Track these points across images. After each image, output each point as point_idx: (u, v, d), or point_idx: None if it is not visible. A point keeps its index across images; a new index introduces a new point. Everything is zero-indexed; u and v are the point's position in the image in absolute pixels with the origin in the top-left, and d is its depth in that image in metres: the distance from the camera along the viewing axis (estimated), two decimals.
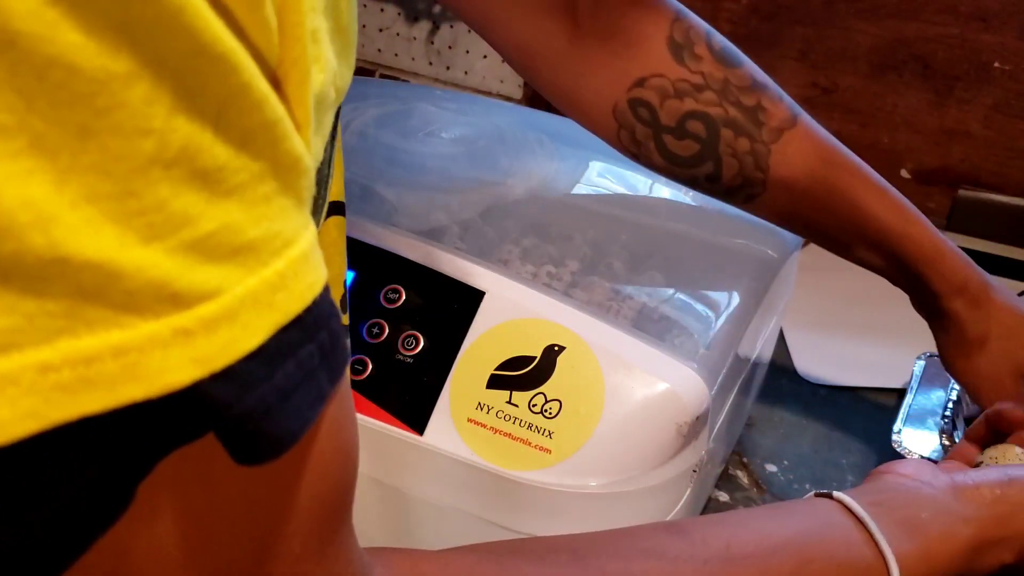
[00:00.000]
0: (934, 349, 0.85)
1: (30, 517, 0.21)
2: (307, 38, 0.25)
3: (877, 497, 0.45)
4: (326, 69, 0.26)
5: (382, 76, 1.42)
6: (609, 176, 0.78)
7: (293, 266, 0.23)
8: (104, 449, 0.22)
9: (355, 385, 0.53)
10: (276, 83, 0.24)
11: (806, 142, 0.62)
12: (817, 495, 0.46)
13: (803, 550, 0.42)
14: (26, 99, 0.19)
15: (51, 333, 0.20)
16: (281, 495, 0.27)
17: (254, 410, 0.23)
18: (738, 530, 0.42)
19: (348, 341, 0.30)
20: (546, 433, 0.50)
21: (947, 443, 0.68)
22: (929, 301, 0.66)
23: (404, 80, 1.40)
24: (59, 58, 0.19)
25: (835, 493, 0.45)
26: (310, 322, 0.24)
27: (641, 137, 0.62)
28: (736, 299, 0.68)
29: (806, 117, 0.63)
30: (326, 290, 0.25)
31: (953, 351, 0.66)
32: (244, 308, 0.22)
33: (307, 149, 0.25)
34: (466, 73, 1.38)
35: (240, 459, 0.24)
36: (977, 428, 0.58)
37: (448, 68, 1.39)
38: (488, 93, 1.36)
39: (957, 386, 0.74)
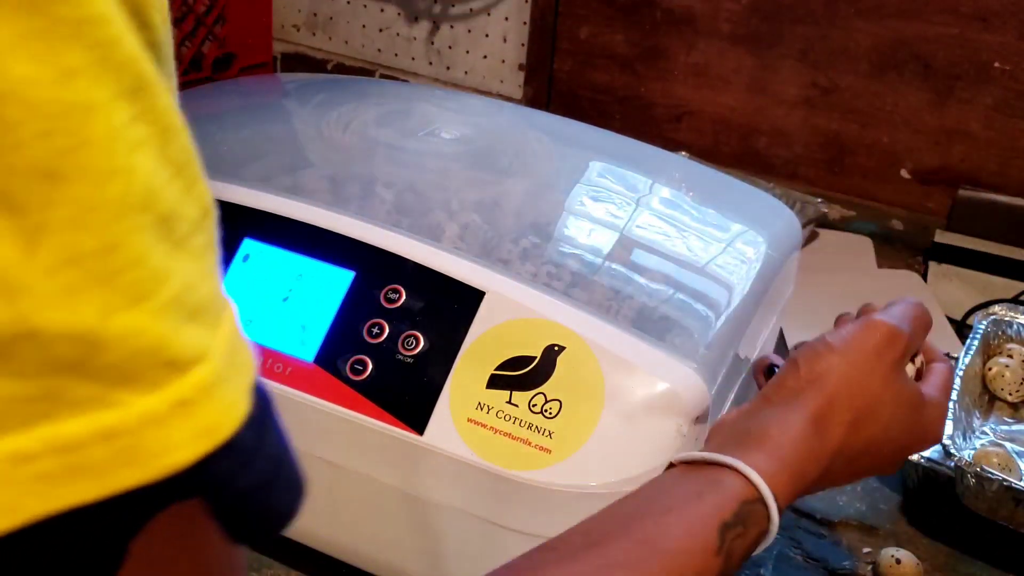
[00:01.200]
0: None
1: None
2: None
3: (713, 443, 0.46)
4: None
5: (382, 76, 1.42)
6: (609, 176, 0.78)
7: (236, 326, 0.21)
8: (96, 518, 0.19)
9: (355, 385, 0.53)
10: None
11: None
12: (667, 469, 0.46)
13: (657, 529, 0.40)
14: None
15: (28, 418, 0.17)
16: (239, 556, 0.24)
17: (256, 484, 0.21)
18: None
19: None
20: (546, 433, 0.50)
21: (947, 443, 0.68)
22: None
23: (404, 80, 1.40)
24: (9, 95, 0.17)
25: (674, 459, 0.45)
26: (261, 384, 0.22)
27: None
28: (736, 299, 0.68)
29: None
30: None
31: None
32: (231, 370, 0.20)
33: None
34: (466, 73, 1.38)
35: (239, 537, 0.22)
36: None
37: (448, 68, 1.39)
38: (488, 93, 1.36)
39: (957, 386, 0.74)
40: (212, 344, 0.20)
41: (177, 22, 1.10)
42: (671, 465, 0.45)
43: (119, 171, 0.18)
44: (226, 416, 0.20)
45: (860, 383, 0.47)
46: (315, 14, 1.46)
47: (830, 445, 0.45)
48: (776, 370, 0.54)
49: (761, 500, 0.41)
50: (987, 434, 0.77)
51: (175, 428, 0.19)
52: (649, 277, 0.73)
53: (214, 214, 0.21)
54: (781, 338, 0.92)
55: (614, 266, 0.73)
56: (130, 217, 0.18)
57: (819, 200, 1.13)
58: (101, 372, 0.18)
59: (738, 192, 0.80)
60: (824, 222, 1.16)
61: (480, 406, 0.51)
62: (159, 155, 0.19)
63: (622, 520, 0.40)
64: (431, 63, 1.40)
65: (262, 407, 0.22)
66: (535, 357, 0.52)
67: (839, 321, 0.57)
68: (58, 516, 0.18)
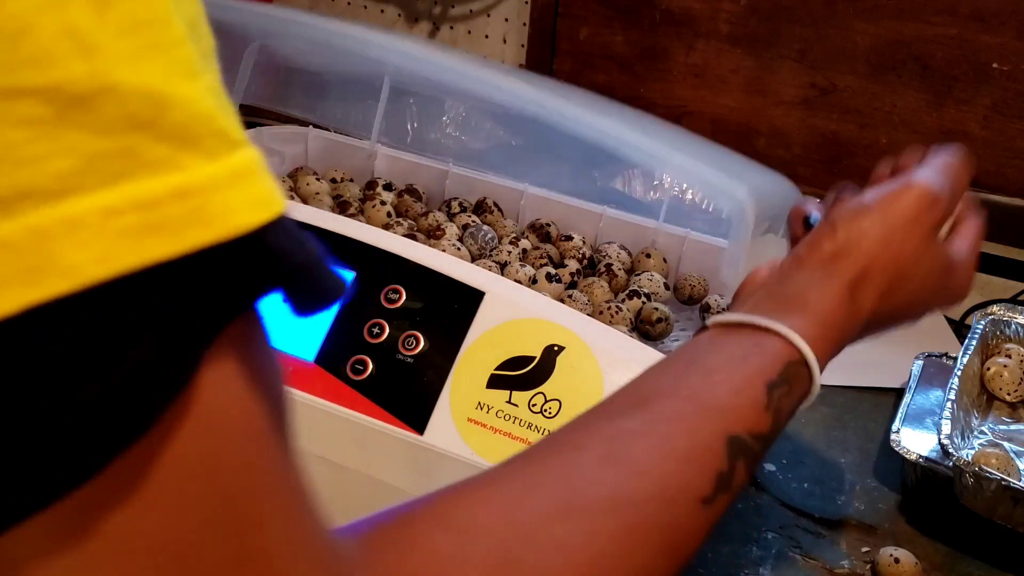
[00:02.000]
0: (933, 349, 0.85)
1: (108, 370, 0.20)
2: None
3: (747, 304, 0.45)
4: None
5: None
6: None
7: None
8: (171, 305, 0.21)
9: (356, 385, 0.54)
10: None
11: None
12: (696, 333, 0.45)
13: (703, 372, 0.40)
14: None
15: (111, 175, 0.19)
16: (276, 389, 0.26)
17: (311, 258, 0.23)
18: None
19: None
20: (546, 433, 0.50)
21: (945, 442, 0.68)
22: None
23: None
24: None
25: (709, 321, 0.44)
26: None
27: None
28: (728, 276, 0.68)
29: None
30: None
31: None
32: (261, 163, 0.22)
33: None
34: None
35: (303, 308, 0.24)
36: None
37: None
38: None
39: (956, 385, 0.74)
40: (245, 138, 0.22)
41: None
42: (704, 328, 0.44)
43: None
44: (275, 195, 0.22)
45: (896, 250, 0.46)
46: None
47: (863, 313, 0.45)
48: (813, 222, 0.52)
49: (804, 362, 0.41)
50: (985, 434, 0.77)
51: (235, 194, 0.21)
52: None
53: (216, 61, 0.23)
54: None
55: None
56: (171, 3, 0.20)
57: (818, 200, 1.14)
58: (169, 133, 0.20)
59: (737, 163, 0.80)
60: None
61: (480, 406, 0.51)
62: None
63: (668, 381, 0.40)
64: None
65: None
66: (535, 357, 0.52)
67: (875, 177, 0.54)
68: (139, 295, 0.20)
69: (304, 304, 0.24)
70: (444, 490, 0.33)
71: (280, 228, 0.22)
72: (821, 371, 0.42)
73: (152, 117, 0.20)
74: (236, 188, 0.21)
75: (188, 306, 0.21)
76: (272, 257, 0.22)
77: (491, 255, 0.72)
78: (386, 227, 0.68)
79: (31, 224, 0.19)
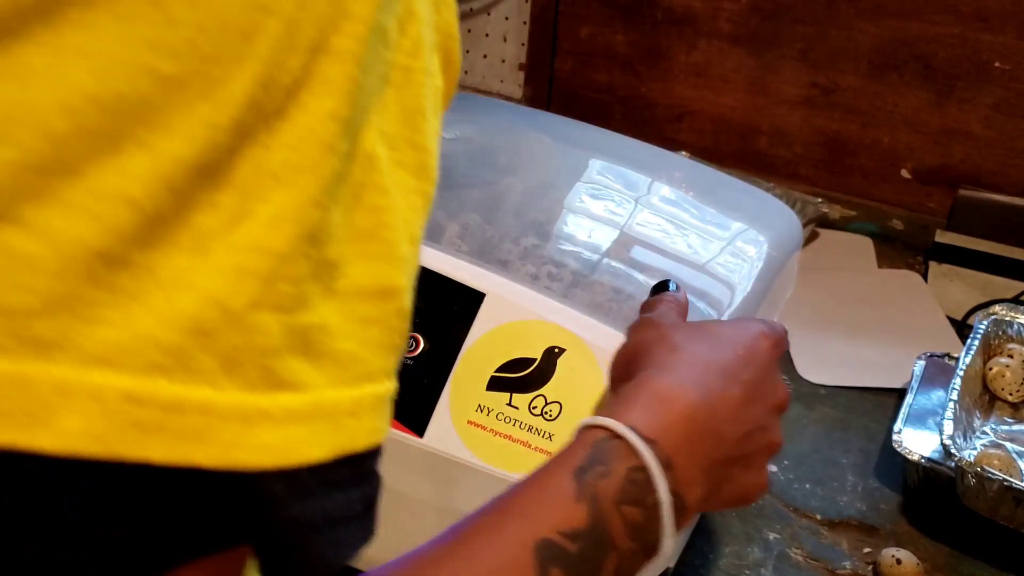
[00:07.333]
0: (935, 349, 0.85)
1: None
2: None
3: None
4: None
5: None
6: (609, 175, 0.78)
7: (368, 401, 0.23)
8: (142, 514, 0.20)
9: None
10: None
11: None
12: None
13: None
14: None
15: (149, 366, 0.19)
16: None
17: (305, 519, 0.22)
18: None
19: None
20: (546, 435, 0.50)
21: (947, 443, 0.68)
22: None
23: None
24: None
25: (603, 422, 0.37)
26: (363, 468, 0.24)
27: None
28: (738, 299, 0.68)
29: None
30: (380, 450, 0.24)
31: None
32: (319, 416, 0.21)
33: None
34: (466, 73, 1.38)
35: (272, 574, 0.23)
36: None
37: None
38: (488, 92, 1.36)
39: (958, 386, 0.74)
40: (317, 388, 0.21)
41: None
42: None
43: (319, 205, 0.22)
44: (293, 448, 0.21)
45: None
46: None
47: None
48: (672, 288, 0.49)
49: (615, 435, 0.36)
50: (987, 434, 0.77)
51: (251, 430, 0.20)
52: (651, 276, 0.73)
53: (396, 294, 0.24)
54: None
55: (615, 264, 0.73)
56: (305, 245, 0.21)
57: (819, 200, 1.13)
58: (222, 353, 0.20)
59: (739, 192, 0.80)
60: (824, 222, 1.16)
61: (480, 408, 0.51)
62: None
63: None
64: None
65: (348, 479, 0.24)
66: (535, 359, 0.52)
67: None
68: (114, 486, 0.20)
69: (277, 568, 0.23)
70: None
71: (285, 477, 0.21)
72: (652, 438, 0.36)
73: (216, 330, 0.19)
74: (255, 425, 0.20)
75: (147, 519, 0.21)
76: (257, 502, 0.21)
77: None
78: None
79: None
